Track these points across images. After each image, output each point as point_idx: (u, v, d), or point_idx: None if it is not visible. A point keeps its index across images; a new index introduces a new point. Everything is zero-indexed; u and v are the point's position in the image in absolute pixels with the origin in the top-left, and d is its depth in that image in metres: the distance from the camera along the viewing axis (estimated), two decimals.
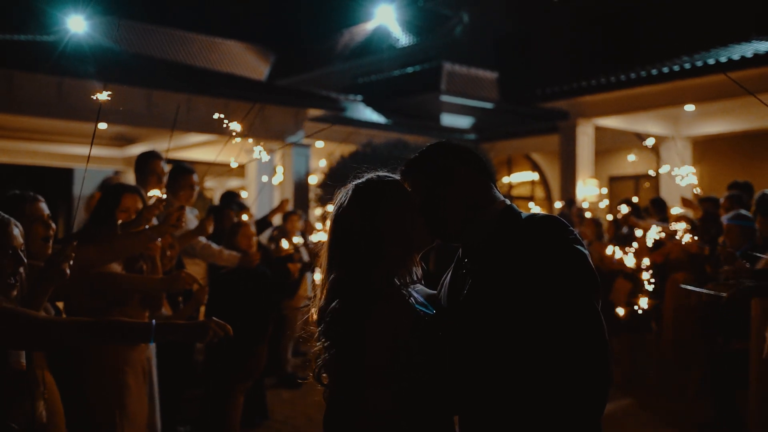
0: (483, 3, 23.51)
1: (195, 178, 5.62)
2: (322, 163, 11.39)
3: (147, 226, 3.80)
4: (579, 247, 1.93)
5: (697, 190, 6.64)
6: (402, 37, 26.43)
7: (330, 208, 2.28)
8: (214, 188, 18.72)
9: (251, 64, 28.69)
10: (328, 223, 2.24)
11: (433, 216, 2.15)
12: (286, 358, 8.32)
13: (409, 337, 2.00)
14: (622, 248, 6.44)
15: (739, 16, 16.05)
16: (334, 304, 2.06)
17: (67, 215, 17.48)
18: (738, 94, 11.04)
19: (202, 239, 5.49)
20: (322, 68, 26.89)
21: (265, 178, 12.28)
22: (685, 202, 7.24)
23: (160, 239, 3.99)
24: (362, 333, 1.98)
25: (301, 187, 14.64)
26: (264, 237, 8.17)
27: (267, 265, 6.23)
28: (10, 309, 2.34)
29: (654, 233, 6.56)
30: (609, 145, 15.23)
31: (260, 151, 3.86)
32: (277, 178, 7.45)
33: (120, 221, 3.85)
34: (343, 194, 2.21)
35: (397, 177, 2.25)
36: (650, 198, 9.68)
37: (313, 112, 14.89)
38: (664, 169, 6.41)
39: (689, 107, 12.93)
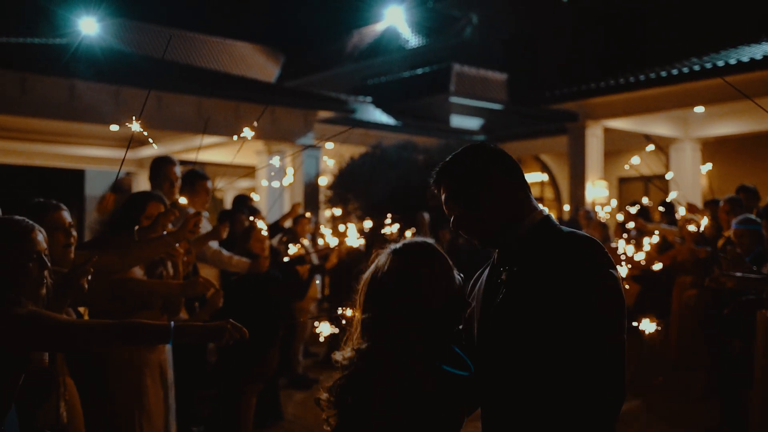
0: (492, 4, 23.53)
1: (209, 184, 5.67)
2: (331, 164, 11.43)
3: (164, 232, 3.87)
4: (613, 271, 2.03)
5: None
6: (411, 39, 26.46)
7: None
8: (224, 189, 18.79)
9: (261, 65, 28.81)
10: (366, 283, 2.23)
11: (472, 219, 2.18)
12: (297, 360, 8.39)
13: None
14: (629, 241, 6.47)
15: (748, 18, 16.03)
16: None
17: (79, 216, 17.61)
18: (749, 95, 11.04)
19: (214, 245, 5.52)
20: (331, 69, 26.96)
21: (276, 183, 12.32)
22: (691, 208, 7.26)
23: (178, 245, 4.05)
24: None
25: (311, 189, 14.70)
26: (274, 240, 8.23)
27: (277, 268, 6.28)
28: (36, 312, 2.43)
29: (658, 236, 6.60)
30: (618, 146, 15.24)
31: (276, 158, 3.92)
32: (287, 180, 7.49)
33: (137, 227, 3.93)
34: (382, 257, 2.22)
35: (431, 241, 2.25)
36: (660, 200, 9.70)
37: (323, 114, 14.95)
38: (669, 176, 6.44)
39: (698, 109, 12.93)
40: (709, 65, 11.63)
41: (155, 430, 3.86)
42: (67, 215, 3.43)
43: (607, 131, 14.38)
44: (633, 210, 7.86)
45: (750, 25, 14.93)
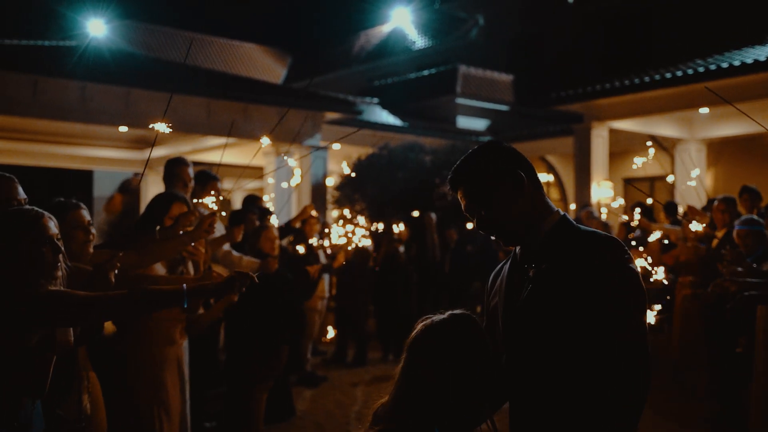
0: (498, 5, 23.61)
1: (220, 185, 5.79)
2: (344, 166, 11.53)
3: (181, 232, 3.99)
4: (632, 266, 2.11)
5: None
6: (418, 40, 26.56)
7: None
8: (232, 189, 18.86)
9: (268, 66, 28.93)
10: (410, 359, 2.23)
11: (497, 220, 2.21)
12: (305, 358, 8.50)
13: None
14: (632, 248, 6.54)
15: (753, 19, 16.06)
16: None
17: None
18: (753, 96, 11.11)
19: (225, 246, 5.65)
20: (338, 71, 27.05)
21: (285, 185, 12.41)
22: (692, 210, 7.32)
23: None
24: None
25: (318, 189, 14.79)
26: (283, 240, 8.31)
27: (287, 267, 6.37)
28: (56, 290, 2.57)
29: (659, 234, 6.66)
30: (624, 146, 15.30)
31: (287, 159, 4.03)
32: (295, 180, 7.58)
33: (158, 227, 4.05)
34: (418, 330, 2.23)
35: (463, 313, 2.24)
36: (665, 200, 9.76)
37: (330, 115, 15.04)
38: (670, 179, 6.49)
39: (704, 110, 12.99)
40: (713, 67, 11.69)
41: (173, 423, 3.99)
42: (86, 214, 3.56)
43: (613, 132, 14.44)
44: (637, 213, 7.92)
45: (754, 27, 14.98)
